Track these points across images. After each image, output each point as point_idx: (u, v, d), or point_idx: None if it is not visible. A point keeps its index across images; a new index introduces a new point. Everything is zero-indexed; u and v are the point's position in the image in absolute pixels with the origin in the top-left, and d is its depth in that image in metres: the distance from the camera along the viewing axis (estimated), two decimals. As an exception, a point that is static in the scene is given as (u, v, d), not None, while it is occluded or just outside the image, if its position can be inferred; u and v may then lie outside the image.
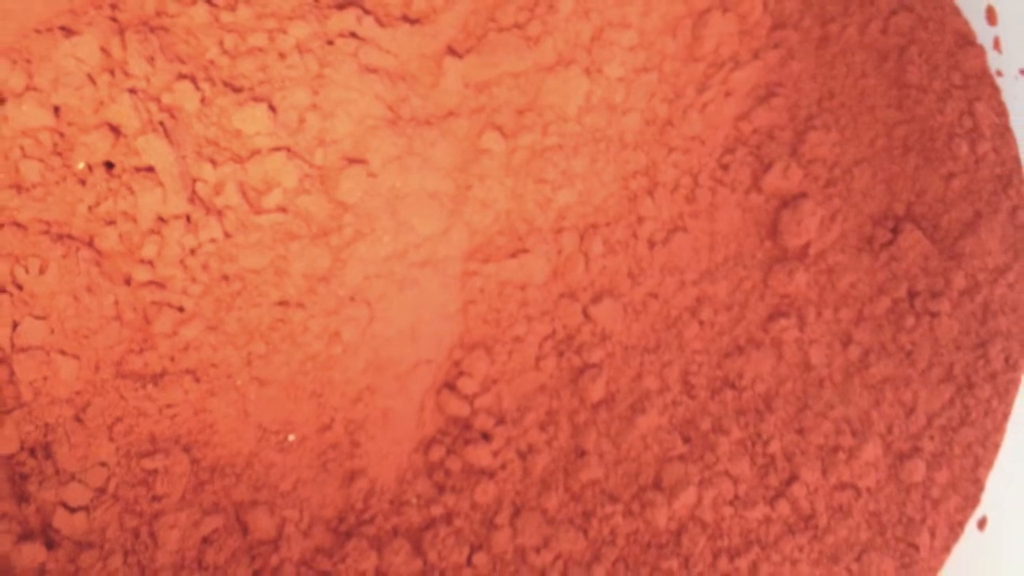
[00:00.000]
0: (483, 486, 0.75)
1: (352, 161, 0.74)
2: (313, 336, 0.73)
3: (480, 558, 0.75)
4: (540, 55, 0.78)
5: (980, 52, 0.89)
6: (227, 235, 0.71)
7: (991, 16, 0.88)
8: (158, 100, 0.70)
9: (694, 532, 0.77)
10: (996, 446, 0.83)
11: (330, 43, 0.74)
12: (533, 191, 0.79)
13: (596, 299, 0.80)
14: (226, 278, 0.71)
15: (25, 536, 0.67)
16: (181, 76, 0.70)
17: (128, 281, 0.70)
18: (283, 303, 0.72)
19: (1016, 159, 0.88)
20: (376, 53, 0.75)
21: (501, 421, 0.77)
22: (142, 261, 0.70)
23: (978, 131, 0.87)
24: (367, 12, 0.75)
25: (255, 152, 0.72)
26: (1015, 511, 0.82)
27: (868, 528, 0.80)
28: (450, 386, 0.77)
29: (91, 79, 0.69)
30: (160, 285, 0.70)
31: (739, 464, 0.79)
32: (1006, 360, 0.84)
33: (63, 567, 0.67)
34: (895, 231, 0.85)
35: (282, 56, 0.72)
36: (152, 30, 0.70)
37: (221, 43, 0.72)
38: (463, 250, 0.78)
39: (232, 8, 0.72)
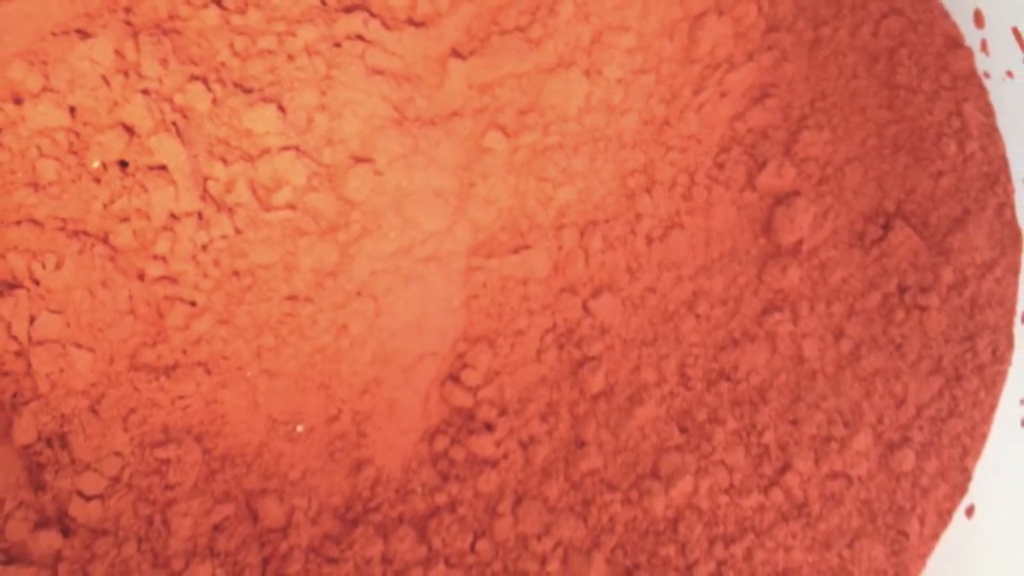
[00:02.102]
0: (486, 475, 0.76)
1: (359, 160, 0.74)
2: (321, 329, 0.74)
3: (483, 545, 0.75)
4: (541, 57, 0.79)
5: (968, 54, 0.89)
6: (238, 232, 0.72)
7: (979, 19, 0.88)
8: (171, 101, 0.71)
9: (690, 519, 0.77)
10: (983, 436, 0.84)
11: (337, 45, 0.74)
12: (535, 189, 0.80)
13: (595, 294, 0.81)
14: (237, 273, 0.72)
15: (42, 524, 0.67)
16: (193, 77, 0.71)
17: (142, 276, 0.70)
18: (292, 297, 0.73)
19: (1003, 158, 0.88)
20: (382, 55, 0.76)
21: (503, 412, 0.78)
22: (155, 257, 0.70)
23: (966, 131, 0.87)
24: (373, 15, 0.76)
25: (265, 151, 0.72)
26: (1002, 500, 0.83)
27: (859, 516, 0.80)
28: (454, 378, 0.78)
29: (106, 80, 0.69)
30: (173, 280, 0.71)
31: (734, 454, 0.79)
32: (993, 353, 0.85)
33: (79, 554, 0.68)
34: (886, 228, 0.86)
35: (291, 58, 0.73)
36: (165, 33, 0.71)
37: (232, 45, 0.73)
38: (467, 246, 0.78)
39: (242, 11, 0.73)
